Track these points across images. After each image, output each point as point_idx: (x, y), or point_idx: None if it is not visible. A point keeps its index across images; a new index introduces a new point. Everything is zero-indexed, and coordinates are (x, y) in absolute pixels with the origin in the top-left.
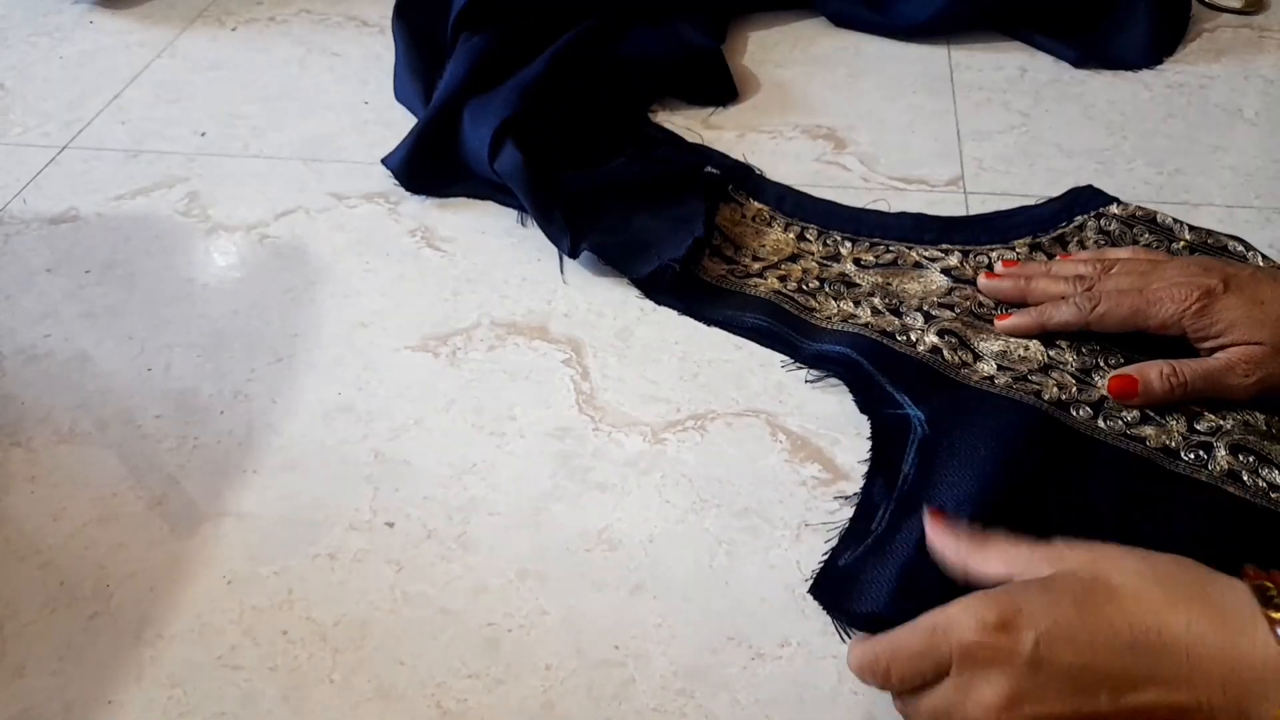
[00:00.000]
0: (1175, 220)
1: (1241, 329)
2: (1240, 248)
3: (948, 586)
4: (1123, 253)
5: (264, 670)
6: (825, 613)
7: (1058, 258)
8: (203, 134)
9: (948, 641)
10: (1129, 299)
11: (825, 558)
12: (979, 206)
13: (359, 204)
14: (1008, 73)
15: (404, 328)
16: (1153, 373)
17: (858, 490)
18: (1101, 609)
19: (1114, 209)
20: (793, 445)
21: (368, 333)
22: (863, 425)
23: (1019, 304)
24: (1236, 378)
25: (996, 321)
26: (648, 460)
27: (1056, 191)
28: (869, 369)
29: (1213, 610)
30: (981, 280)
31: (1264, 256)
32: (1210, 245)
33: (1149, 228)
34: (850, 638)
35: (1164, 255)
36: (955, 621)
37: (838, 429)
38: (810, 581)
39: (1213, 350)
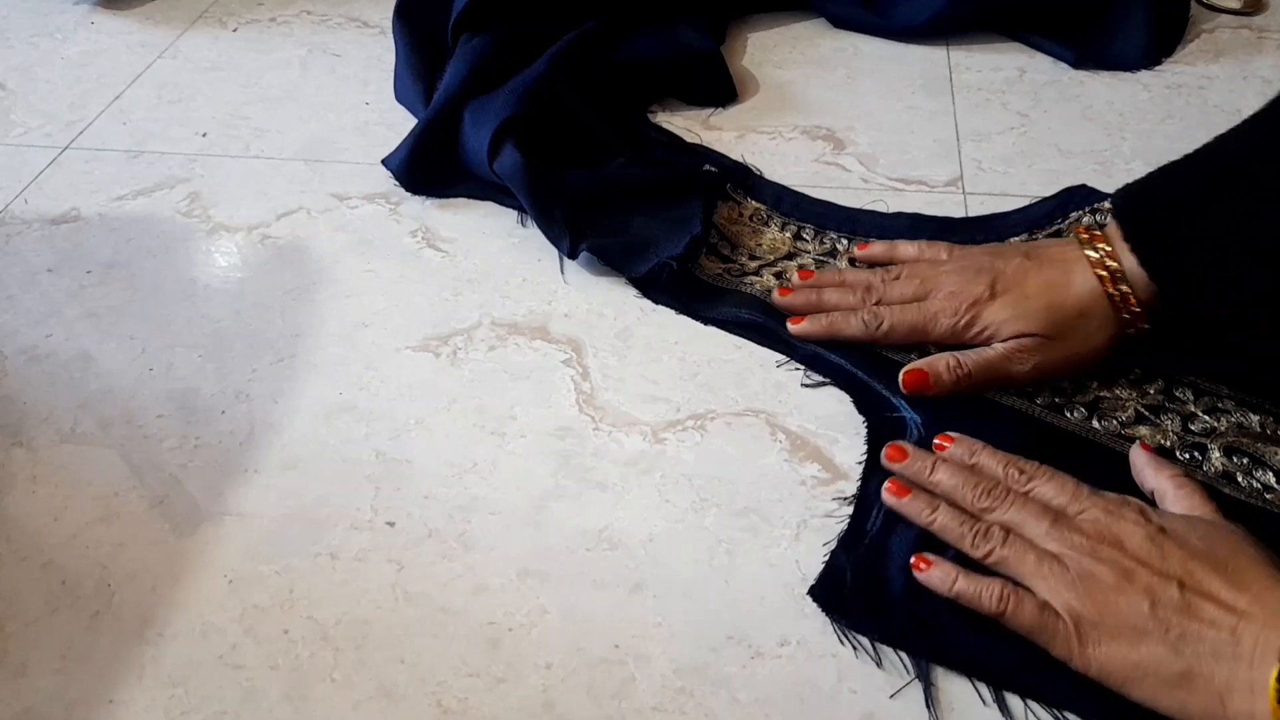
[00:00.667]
0: None
1: (1010, 326)
2: None
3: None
4: (911, 249)
5: (265, 669)
6: (825, 615)
7: (853, 257)
8: (204, 135)
9: (1094, 497)
10: (909, 315)
11: (825, 560)
12: (978, 207)
13: (360, 204)
14: (1006, 74)
15: (405, 328)
16: (940, 366)
17: (855, 494)
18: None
19: (1108, 204)
20: (792, 445)
21: (369, 333)
22: (862, 425)
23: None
24: (1015, 365)
25: (789, 324)
26: (648, 460)
27: (1055, 192)
28: (863, 377)
29: None
30: (775, 297)
31: None
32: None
33: None
34: (848, 642)
35: (946, 251)
36: (1108, 495)
37: (837, 428)
38: (812, 583)
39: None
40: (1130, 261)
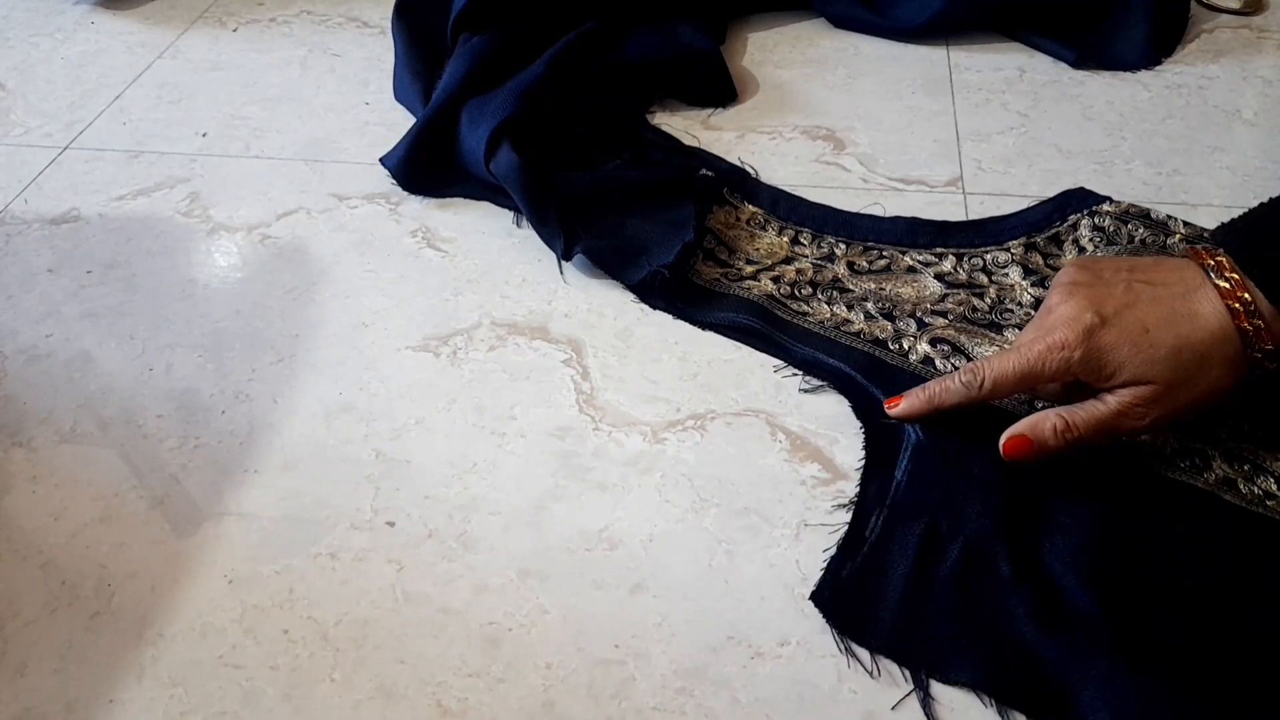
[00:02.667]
0: (1169, 216)
1: (1129, 369)
2: None
3: (949, 605)
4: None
5: (265, 669)
6: (826, 621)
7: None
8: (204, 134)
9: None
10: (1012, 364)
11: (825, 566)
12: (978, 207)
13: (360, 204)
14: (1006, 73)
15: (405, 328)
16: (1046, 430)
17: (853, 497)
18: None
19: (1107, 206)
20: (792, 445)
21: (369, 333)
22: (862, 425)
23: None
24: (1130, 421)
25: (886, 406)
26: (648, 460)
27: (1055, 192)
28: (861, 381)
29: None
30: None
31: None
32: (1205, 239)
33: (1144, 222)
34: (845, 652)
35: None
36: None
37: (837, 428)
38: (813, 589)
39: (1108, 389)
40: (1258, 296)
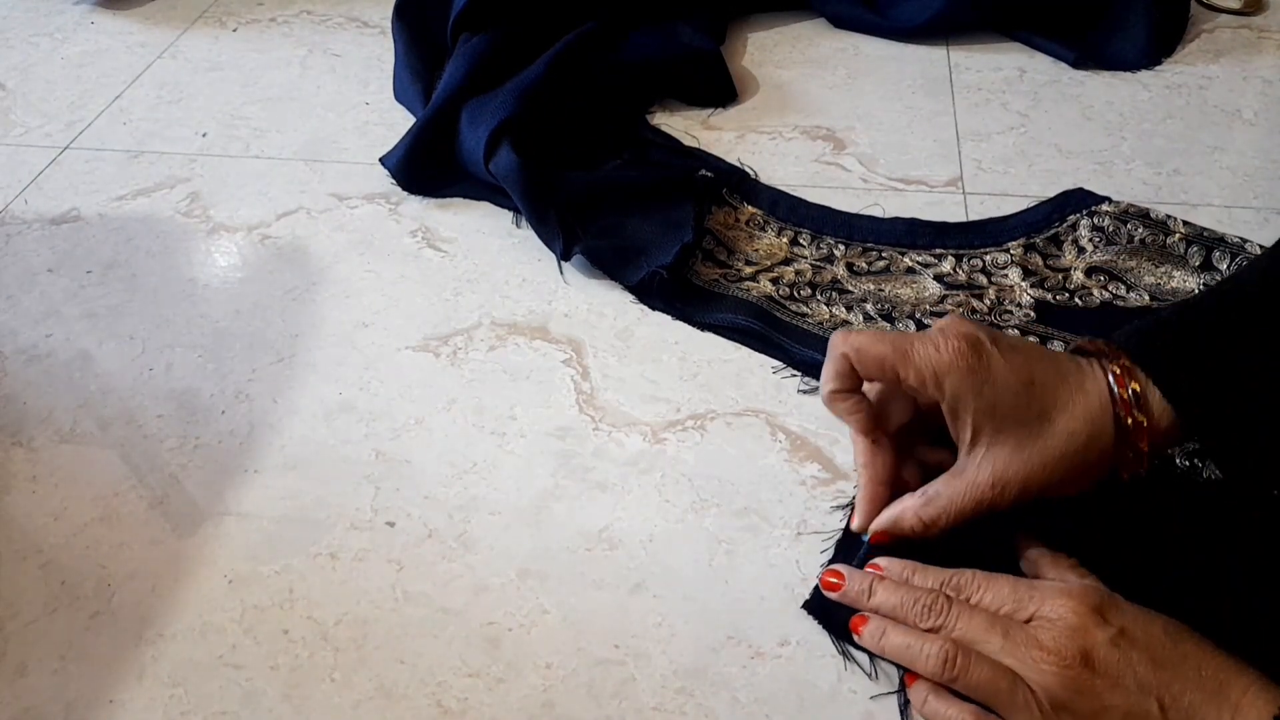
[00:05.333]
0: (1169, 215)
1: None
2: (1238, 239)
3: None
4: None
5: (265, 669)
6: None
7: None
8: (204, 134)
9: (1037, 594)
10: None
11: (821, 570)
12: (978, 207)
13: (360, 204)
14: (1006, 73)
15: (405, 328)
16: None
17: (850, 501)
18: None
19: (1106, 206)
20: (792, 445)
21: (369, 333)
22: None
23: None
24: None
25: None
26: (648, 460)
27: (1055, 192)
28: None
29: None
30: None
31: (1261, 247)
32: (1205, 238)
33: (1143, 222)
34: (840, 649)
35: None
36: (1051, 588)
37: (837, 429)
38: (812, 585)
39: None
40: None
